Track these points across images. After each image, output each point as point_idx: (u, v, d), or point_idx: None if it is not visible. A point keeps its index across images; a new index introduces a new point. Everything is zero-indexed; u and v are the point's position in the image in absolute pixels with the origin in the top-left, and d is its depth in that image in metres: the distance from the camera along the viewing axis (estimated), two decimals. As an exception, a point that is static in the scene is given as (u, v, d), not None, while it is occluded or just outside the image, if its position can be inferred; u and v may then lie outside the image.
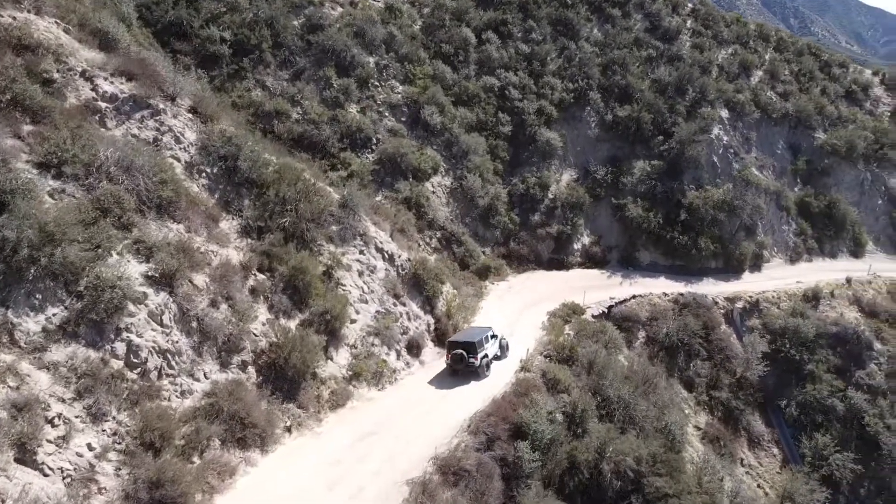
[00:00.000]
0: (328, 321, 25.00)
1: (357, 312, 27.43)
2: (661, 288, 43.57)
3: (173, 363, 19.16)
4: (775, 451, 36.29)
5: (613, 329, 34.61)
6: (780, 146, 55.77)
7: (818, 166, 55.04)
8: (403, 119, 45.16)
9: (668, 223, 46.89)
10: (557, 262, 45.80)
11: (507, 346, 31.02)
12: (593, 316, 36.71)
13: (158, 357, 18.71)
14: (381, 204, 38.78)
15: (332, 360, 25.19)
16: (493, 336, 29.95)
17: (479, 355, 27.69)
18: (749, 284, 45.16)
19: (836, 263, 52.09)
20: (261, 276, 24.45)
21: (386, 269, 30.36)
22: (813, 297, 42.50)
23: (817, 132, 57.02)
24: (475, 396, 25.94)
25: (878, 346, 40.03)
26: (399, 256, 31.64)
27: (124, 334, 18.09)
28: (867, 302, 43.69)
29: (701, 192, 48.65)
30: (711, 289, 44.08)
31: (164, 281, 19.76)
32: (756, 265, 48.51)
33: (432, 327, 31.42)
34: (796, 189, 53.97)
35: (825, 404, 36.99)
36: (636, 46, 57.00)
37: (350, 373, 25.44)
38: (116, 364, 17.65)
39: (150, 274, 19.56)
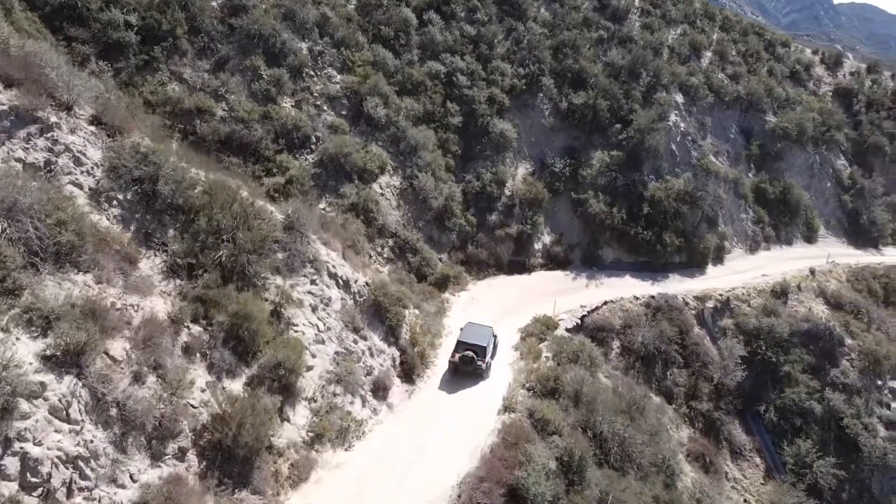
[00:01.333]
0: (282, 375, 21.00)
1: (314, 356, 23.47)
2: (627, 288, 41.65)
3: (88, 471, 14.82)
4: (757, 460, 35.15)
5: (591, 346, 32.10)
6: (734, 131, 54.88)
7: (771, 150, 54.53)
8: (344, 112, 40.77)
9: (631, 218, 44.93)
10: (518, 264, 42.98)
11: (498, 344, 31.45)
12: (567, 330, 34.16)
13: (67, 467, 14.35)
14: (327, 214, 34.67)
15: (288, 421, 21.25)
16: (494, 335, 30.78)
17: (487, 358, 28.51)
18: (715, 280, 43.92)
19: (792, 250, 51.92)
20: (196, 329, 20.11)
21: (342, 299, 26.45)
22: (781, 293, 41.62)
23: (768, 115, 56.48)
24: (458, 447, 22.75)
25: (848, 340, 39.55)
26: (356, 281, 27.76)
27: (16, 445, 13.62)
28: (832, 294, 43.33)
29: (662, 184, 46.94)
30: (679, 287, 42.53)
31: (68, 360, 15.25)
32: (718, 257, 47.44)
33: (398, 361, 27.83)
34: (750, 175, 53.26)
35: (803, 407, 36.10)
36: (586, 27, 54.43)
37: (311, 434, 21.60)
38: (8, 489, 13.25)
39: (48, 353, 15.01)
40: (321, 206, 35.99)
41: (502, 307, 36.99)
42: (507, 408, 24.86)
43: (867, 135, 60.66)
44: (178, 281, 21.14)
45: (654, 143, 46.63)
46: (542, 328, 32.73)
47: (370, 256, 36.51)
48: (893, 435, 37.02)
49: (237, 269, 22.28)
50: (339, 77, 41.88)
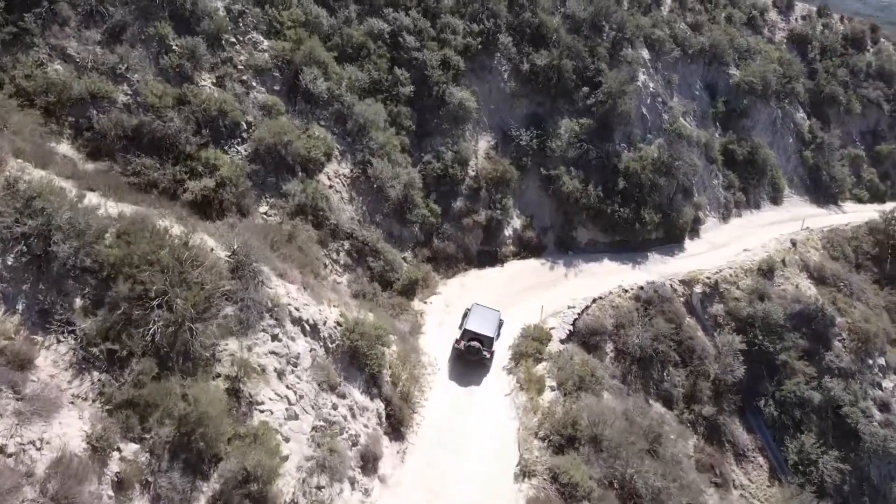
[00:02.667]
0: (252, 493, 16.00)
1: (287, 440, 18.48)
2: (609, 276, 38.36)
3: None
4: (760, 460, 33.41)
5: (594, 362, 28.58)
6: (698, 87, 51.77)
7: (736, 107, 51.95)
8: (277, 88, 34.24)
9: (606, 194, 41.22)
10: (488, 255, 38.64)
11: (503, 323, 30.98)
12: (561, 341, 30.42)
13: None
14: (272, 223, 28.91)
15: (267, 547, 16.43)
16: (501, 320, 30.53)
17: (493, 346, 28.61)
18: (697, 259, 41.35)
19: (761, 215, 50.24)
20: (130, 449, 14.70)
21: (312, 351, 21.30)
22: (768, 270, 39.48)
23: (731, 68, 53.63)
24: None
25: (838, 319, 38.08)
26: (324, 322, 22.57)
27: None
28: (815, 267, 41.81)
29: (635, 153, 43.33)
30: (662, 269, 39.63)
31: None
32: (694, 230, 44.91)
33: (383, 415, 23.20)
34: (717, 135, 50.59)
35: (802, 398, 34.43)
36: (540, -27, 48.89)
37: (297, 556, 16.93)
38: None
39: None
40: (262, 209, 30.10)
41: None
42: (525, 472, 20.97)
43: (823, 84, 59.26)
44: (95, 375, 15.48)
45: (627, 108, 42.66)
46: (534, 344, 28.82)
47: (326, 266, 31.18)
48: (889, 418, 36.22)
49: (178, 346, 16.72)
50: (266, 43, 34.99)
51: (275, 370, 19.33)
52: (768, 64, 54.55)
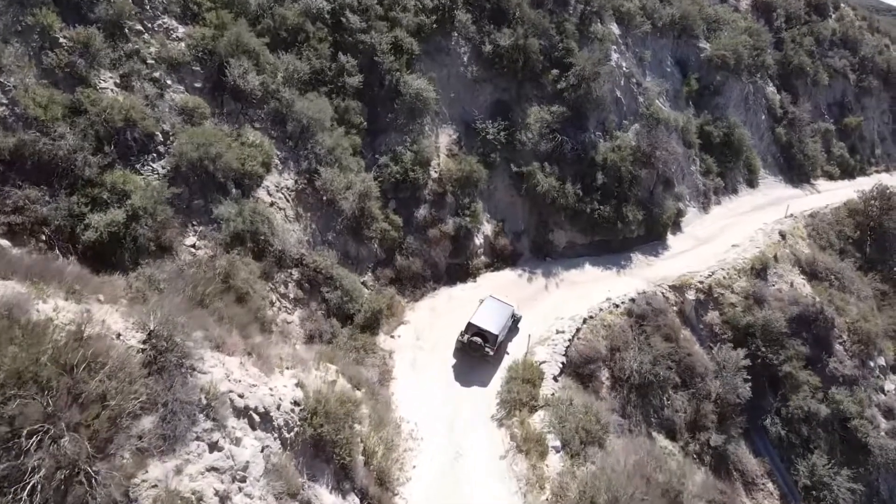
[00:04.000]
0: None
1: None
2: (593, 284, 34.87)
3: None
4: (770, 486, 30.75)
5: (597, 405, 24.81)
6: (669, 63, 48.20)
7: (709, 84, 48.79)
8: (199, 85, 28.54)
9: (585, 191, 37.33)
10: (459, 269, 34.31)
11: (520, 318, 30.69)
12: (554, 377, 26.51)
13: None
14: (202, 260, 23.66)
15: None
16: (512, 316, 29.55)
17: (498, 341, 27.71)
18: (684, 258, 38.27)
19: (740, 200, 47.61)
20: None
21: (265, 450, 16.54)
22: (761, 269, 36.58)
23: (701, 41, 50.25)
24: None
25: (837, 319, 35.63)
26: (278, 405, 17.78)
27: None
28: (806, 261, 39.31)
29: (612, 142, 39.50)
30: (648, 273, 36.27)
31: None
32: (676, 223, 41.69)
33: (360, 514, 18.77)
34: (692, 115, 47.25)
35: (809, 412, 31.88)
36: (496, -62, 43.85)
37: None
38: None
39: None
40: (189, 242, 24.72)
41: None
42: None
43: (791, 55, 56.81)
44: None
45: (601, 92, 38.64)
46: (526, 388, 24.78)
47: (273, 304, 26.19)
48: (895, 426, 34.23)
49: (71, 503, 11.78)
50: (182, 30, 29.09)
51: (216, 494, 14.56)
52: (738, 35, 51.45)
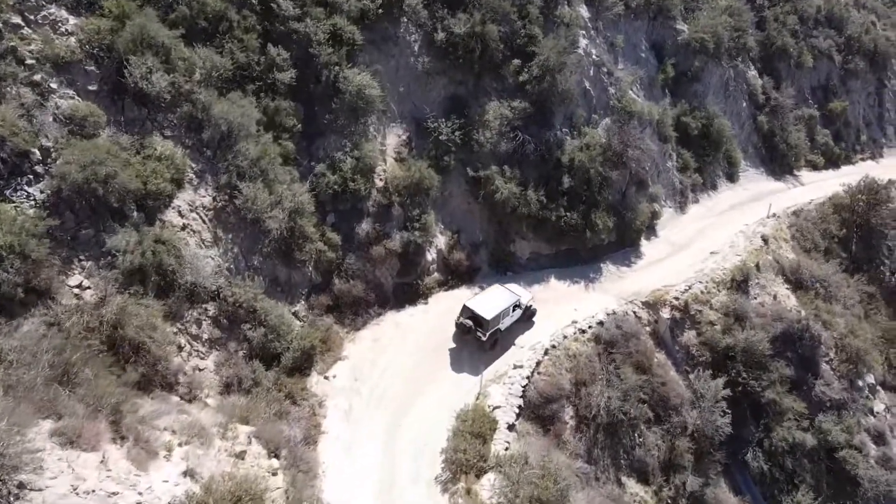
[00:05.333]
0: None
1: None
2: (556, 299, 32.31)
3: None
4: (752, 528, 28.28)
5: (559, 460, 21.83)
6: (644, 48, 44.73)
7: (687, 70, 45.50)
8: (93, 89, 24.56)
9: (549, 197, 34.08)
10: (408, 289, 31.01)
11: (535, 312, 30.43)
12: (509, 426, 23.47)
13: None
14: (86, 292, 20.10)
15: None
16: (517, 306, 29.19)
17: (489, 331, 27.36)
18: (658, 268, 35.48)
19: (719, 198, 44.76)
20: None
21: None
22: (742, 280, 33.79)
23: (678, 23, 46.79)
24: None
25: (824, 334, 33.06)
26: (151, 515, 14.50)
27: None
28: (790, 268, 36.62)
29: (580, 140, 36.18)
30: (620, 286, 33.42)
31: None
32: (651, 226, 38.66)
33: None
34: (667, 104, 43.99)
35: (794, 443, 29.41)
36: None
37: None
38: None
39: None
40: (73, 282, 21.05)
41: (401, 388, 25.42)
42: None
43: (774, 35, 53.64)
44: None
45: (568, 85, 35.17)
46: (475, 445, 21.68)
47: (181, 349, 22.69)
48: (886, 453, 31.95)
49: None
50: (73, 22, 24.98)
51: None
52: (718, 15, 48.07)
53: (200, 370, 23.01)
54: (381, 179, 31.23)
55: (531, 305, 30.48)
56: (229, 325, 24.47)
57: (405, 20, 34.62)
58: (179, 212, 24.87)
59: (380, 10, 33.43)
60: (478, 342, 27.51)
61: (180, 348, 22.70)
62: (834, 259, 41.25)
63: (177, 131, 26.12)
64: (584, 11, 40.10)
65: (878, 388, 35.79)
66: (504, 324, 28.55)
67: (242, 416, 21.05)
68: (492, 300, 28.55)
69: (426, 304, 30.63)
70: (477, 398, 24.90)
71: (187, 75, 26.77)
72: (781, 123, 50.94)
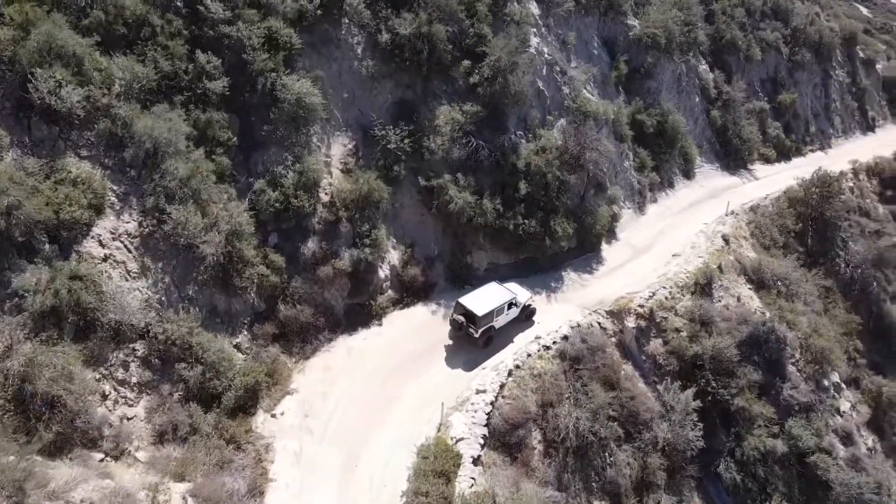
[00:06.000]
0: None
1: None
2: None
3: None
4: (728, 543, 27.38)
5: (526, 488, 20.29)
6: (596, 44, 43.60)
7: (640, 66, 44.60)
8: (-8, 108, 21.90)
9: (506, 204, 32.54)
10: (360, 310, 29.03)
11: (534, 311, 30.29)
12: (474, 460, 21.83)
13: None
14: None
15: None
16: (514, 305, 28.88)
17: (481, 328, 27.17)
18: (621, 274, 34.41)
19: (678, 196, 44.02)
20: None
21: None
22: (706, 283, 32.93)
23: (629, 18, 45.87)
24: None
25: (789, 335, 32.45)
26: None
27: None
28: (752, 268, 35.97)
29: (536, 142, 34.77)
30: (583, 296, 32.20)
31: None
32: (611, 229, 37.50)
33: None
34: (622, 102, 42.98)
35: (765, 451, 28.66)
36: None
37: None
38: None
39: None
40: (-30, 332, 18.49)
41: (356, 421, 23.52)
42: None
43: (723, 29, 53.31)
44: None
45: (521, 86, 33.69)
46: (438, 485, 19.93)
47: (106, 397, 20.31)
48: (855, 454, 31.54)
49: None
50: (-33, 32, 22.23)
51: None
52: (668, 9, 47.34)
53: (129, 419, 20.66)
54: (326, 194, 29.15)
55: (530, 304, 30.15)
56: (162, 366, 22.14)
57: (346, 21, 32.58)
58: (100, 241, 22.43)
59: (319, 12, 31.32)
60: (471, 338, 27.40)
61: (104, 397, 20.32)
62: (791, 254, 41.00)
63: (94, 151, 23.61)
64: (534, 8, 38.66)
65: (843, 385, 35.58)
66: (498, 322, 28.17)
67: (177, 472, 18.90)
68: (485, 297, 28.22)
69: (380, 325, 28.73)
70: (438, 429, 23.19)
71: (104, 88, 24.29)
72: (734, 117, 50.68)
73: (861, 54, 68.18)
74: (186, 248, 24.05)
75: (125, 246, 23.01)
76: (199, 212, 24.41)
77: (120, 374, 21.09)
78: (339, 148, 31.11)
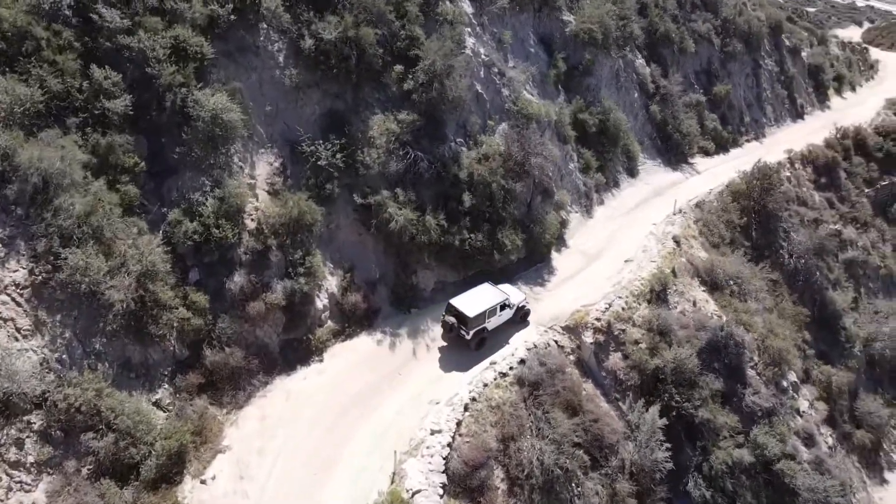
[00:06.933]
0: None
1: None
2: None
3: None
4: (702, 564, 26.13)
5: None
6: (532, 42, 41.96)
7: (578, 64, 43.25)
8: None
9: (451, 219, 30.43)
10: (298, 346, 26.37)
11: (529, 312, 29.87)
12: (435, 516, 19.68)
13: None
14: None
15: None
16: (507, 306, 28.56)
17: (473, 329, 26.91)
18: (573, 284, 32.74)
19: (624, 196, 42.91)
20: None
21: None
22: (661, 289, 31.72)
23: (565, 13, 44.43)
24: None
25: (746, 338, 31.59)
26: None
27: None
28: (704, 268, 35.04)
29: (477, 150, 32.81)
30: (535, 310, 30.22)
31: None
32: (560, 236, 35.92)
33: None
34: (562, 100, 41.49)
35: (732, 463, 27.62)
36: None
37: None
38: None
39: None
40: None
41: (299, 479, 20.99)
42: None
43: (657, 22, 52.67)
44: None
45: (459, 90, 31.61)
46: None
47: (-7, 486, 17.16)
48: (819, 456, 30.98)
49: None
50: None
51: None
52: (602, 4, 46.16)
53: (26, 508, 17.57)
54: (252, 220, 26.28)
55: (524, 305, 29.78)
56: (65, 438, 19.03)
57: (265, 26, 29.68)
58: (-19, 296, 19.15)
59: (232, 17, 28.31)
60: (463, 340, 27.17)
61: (-7, 486, 17.17)
62: (738, 249, 40.58)
63: (-32, 190, 20.25)
64: (466, 7, 36.63)
65: (800, 384, 35.16)
66: (491, 323, 27.91)
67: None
68: (477, 298, 27.87)
69: (321, 361, 26.16)
70: (392, 480, 20.92)
71: (-22, 114, 20.91)
72: (673, 111, 50.07)
73: (787, 42, 69.22)
74: (89, 296, 20.89)
75: (13, 299, 19.71)
76: (103, 252, 21.32)
77: (13, 454, 17.91)
78: (264, 167, 28.25)
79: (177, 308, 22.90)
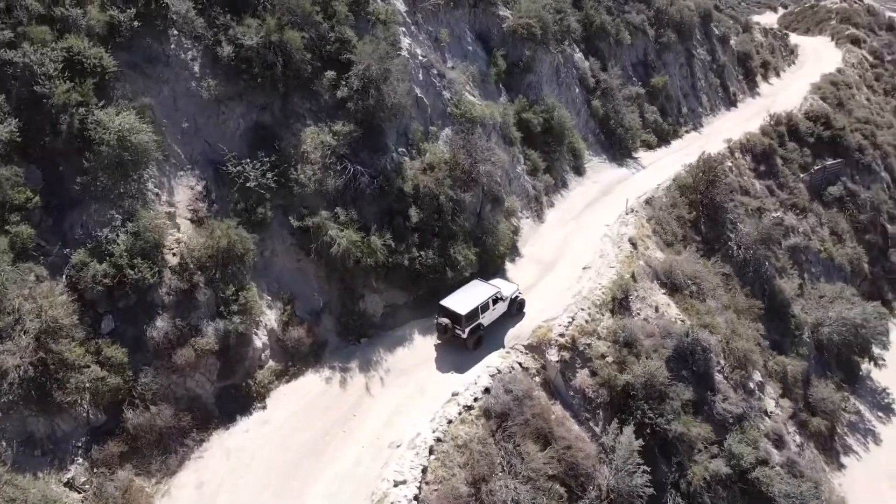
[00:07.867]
0: None
1: None
2: (424, 361, 26.84)
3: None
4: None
5: None
6: (469, 40, 39.84)
7: (518, 61, 41.40)
8: None
9: (398, 237, 27.99)
10: (237, 393, 23.38)
11: (524, 303, 29.59)
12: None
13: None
14: None
15: None
16: (500, 299, 28.15)
17: (468, 327, 26.35)
18: (531, 298, 30.54)
19: (572, 196, 41.34)
20: None
21: None
22: (623, 297, 30.21)
23: (501, 8, 42.50)
24: None
25: (712, 341, 30.50)
26: None
27: None
28: (662, 270, 33.80)
29: (420, 159, 30.47)
30: (496, 333, 28.12)
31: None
32: (512, 245, 34.00)
33: None
34: (503, 100, 39.58)
35: (710, 478, 26.41)
36: None
37: None
38: None
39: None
40: None
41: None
42: None
43: (592, 14, 51.47)
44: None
45: (398, 96, 29.14)
46: None
47: None
48: (790, 458, 30.23)
49: None
50: None
51: None
52: (539, -2, 44.51)
53: None
54: (174, 254, 23.11)
55: (518, 296, 29.43)
56: (-48, 544, 15.74)
57: (175, 33, 26.38)
58: None
59: (137, 23, 24.93)
60: (459, 342, 26.65)
61: None
62: (690, 245, 39.79)
63: None
64: (399, 4, 34.12)
65: (764, 383, 34.51)
66: (486, 318, 27.43)
67: None
68: (468, 295, 27.44)
69: (264, 408, 23.30)
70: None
71: None
72: (614, 106, 48.99)
73: (717, 31, 69.64)
74: (-23, 364, 17.53)
75: None
76: (-9, 313, 17.99)
77: None
78: (184, 192, 25.03)
79: (88, 367, 19.59)
